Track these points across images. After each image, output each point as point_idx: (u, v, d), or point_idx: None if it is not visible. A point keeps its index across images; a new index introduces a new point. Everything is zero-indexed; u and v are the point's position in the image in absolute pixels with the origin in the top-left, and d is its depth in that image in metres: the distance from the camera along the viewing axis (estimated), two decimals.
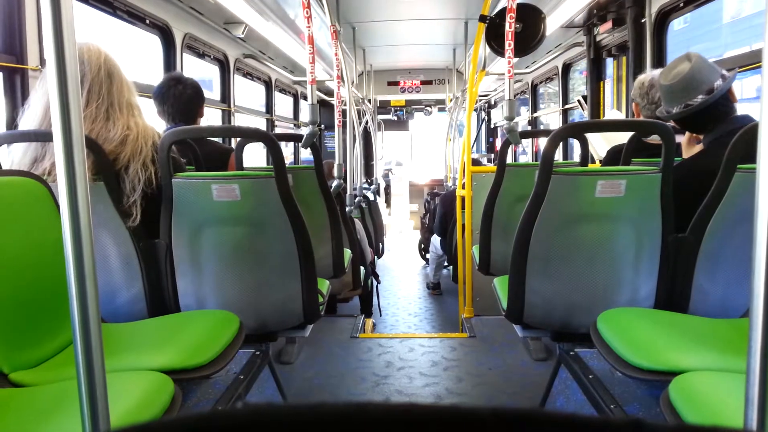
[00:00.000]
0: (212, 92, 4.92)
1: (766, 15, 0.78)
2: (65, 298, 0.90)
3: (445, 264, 6.18)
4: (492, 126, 10.79)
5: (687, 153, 2.10)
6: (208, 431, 0.24)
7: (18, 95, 2.32)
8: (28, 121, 1.78)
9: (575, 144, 4.55)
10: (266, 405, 0.25)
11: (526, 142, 7.82)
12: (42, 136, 1.73)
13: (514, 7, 2.58)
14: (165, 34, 3.80)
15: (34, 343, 1.46)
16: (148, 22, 3.57)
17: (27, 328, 1.45)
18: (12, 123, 2.24)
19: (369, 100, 8.01)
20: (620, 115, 4.23)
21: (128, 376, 1.33)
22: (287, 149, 7.87)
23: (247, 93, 6.04)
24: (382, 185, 10.58)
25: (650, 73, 2.56)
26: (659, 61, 3.66)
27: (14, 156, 1.78)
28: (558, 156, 5.32)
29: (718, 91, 1.88)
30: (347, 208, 3.69)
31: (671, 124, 2.13)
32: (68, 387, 1.21)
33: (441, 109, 10.26)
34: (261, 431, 0.24)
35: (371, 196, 6.50)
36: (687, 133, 2.11)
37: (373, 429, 0.24)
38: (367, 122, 8.04)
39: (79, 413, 0.90)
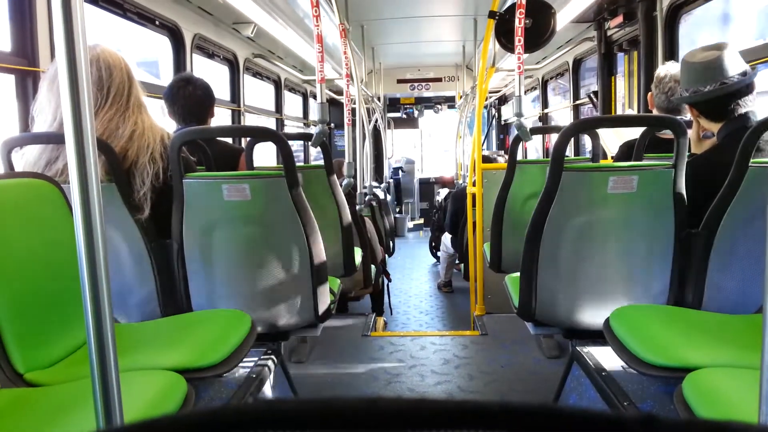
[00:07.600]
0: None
1: None
2: (79, 298, 0.91)
3: (456, 262, 6.16)
4: (503, 123, 10.74)
5: (696, 148, 2.06)
6: (221, 426, 0.24)
7: (30, 98, 2.34)
8: (41, 125, 1.80)
9: (587, 140, 4.52)
10: (277, 400, 0.25)
11: (537, 139, 7.78)
12: (54, 139, 1.75)
13: (524, 2, 2.57)
14: (175, 35, 3.82)
15: (49, 343, 1.47)
16: (157, 23, 3.59)
17: (41, 329, 1.47)
18: (25, 126, 2.26)
19: (378, 98, 8.01)
20: (633, 113, 4.20)
21: (141, 375, 1.34)
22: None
23: (257, 92, 6.05)
24: (392, 183, 10.57)
25: (667, 64, 2.55)
26: (671, 55, 3.62)
27: (28, 158, 1.80)
28: (569, 152, 5.29)
29: (750, 75, 1.82)
30: (357, 207, 3.69)
31: (683, 117, 2.11)
32: (82, 386, 1.23)
33: (451, 107, 10.23)
34: (273, 426, 0.24)
35: (381, 195, 6.50)
36: (695, 128, 2.06)
37: (383, 424, 0.24)
38: (376, 120, 8.04)
39: (93, 412, 0.91)
